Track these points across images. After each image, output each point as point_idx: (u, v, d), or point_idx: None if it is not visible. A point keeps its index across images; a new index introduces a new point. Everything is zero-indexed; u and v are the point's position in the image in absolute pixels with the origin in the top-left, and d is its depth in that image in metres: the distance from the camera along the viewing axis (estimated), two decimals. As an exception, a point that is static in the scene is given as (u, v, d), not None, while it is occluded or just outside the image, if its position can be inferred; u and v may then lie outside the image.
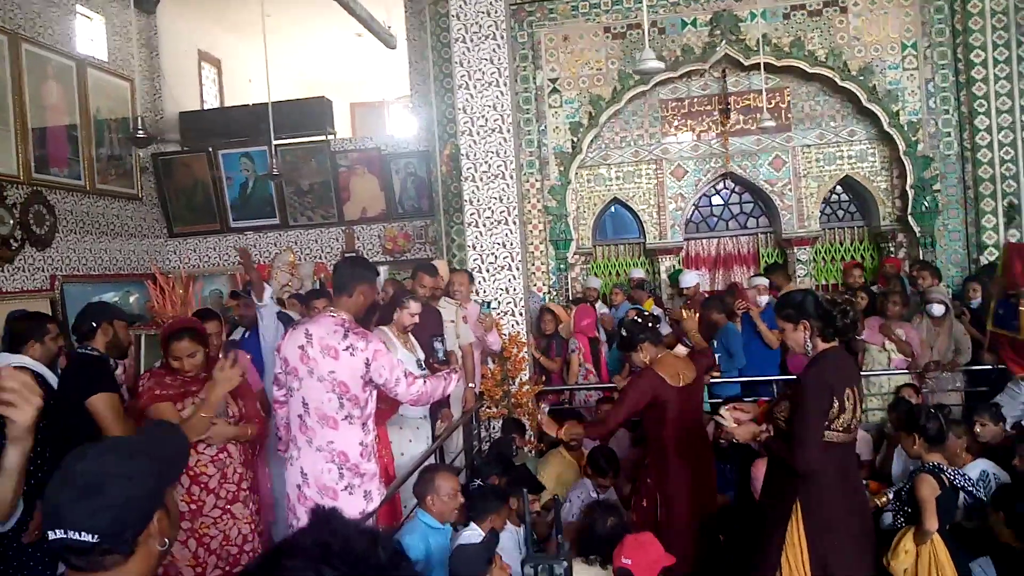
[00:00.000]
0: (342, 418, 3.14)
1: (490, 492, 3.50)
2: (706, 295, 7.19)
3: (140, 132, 7.51)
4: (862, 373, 5.33)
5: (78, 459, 1.29)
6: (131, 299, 8.59)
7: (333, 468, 3.15)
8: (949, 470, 3.67)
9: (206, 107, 10.65)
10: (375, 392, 3.24)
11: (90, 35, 8.45)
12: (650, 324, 4.09)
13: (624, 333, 4.07)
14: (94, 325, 3.65)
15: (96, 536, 1.21)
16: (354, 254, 8.88)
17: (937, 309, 5.90)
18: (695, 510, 3.92)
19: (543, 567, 1.94)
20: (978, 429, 4.57)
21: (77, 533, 1.20)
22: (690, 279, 7.25)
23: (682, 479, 3.88)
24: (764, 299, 6.47)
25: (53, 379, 3.54)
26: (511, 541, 3.69)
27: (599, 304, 7.50)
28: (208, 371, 3.34)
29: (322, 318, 3.25)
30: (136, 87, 8.90)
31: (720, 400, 5.97)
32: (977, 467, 4.20)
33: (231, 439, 3.36)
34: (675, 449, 3.89)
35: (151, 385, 3.34)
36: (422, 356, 4.37)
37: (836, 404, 2.93)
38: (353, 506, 3.12)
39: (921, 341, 6.00)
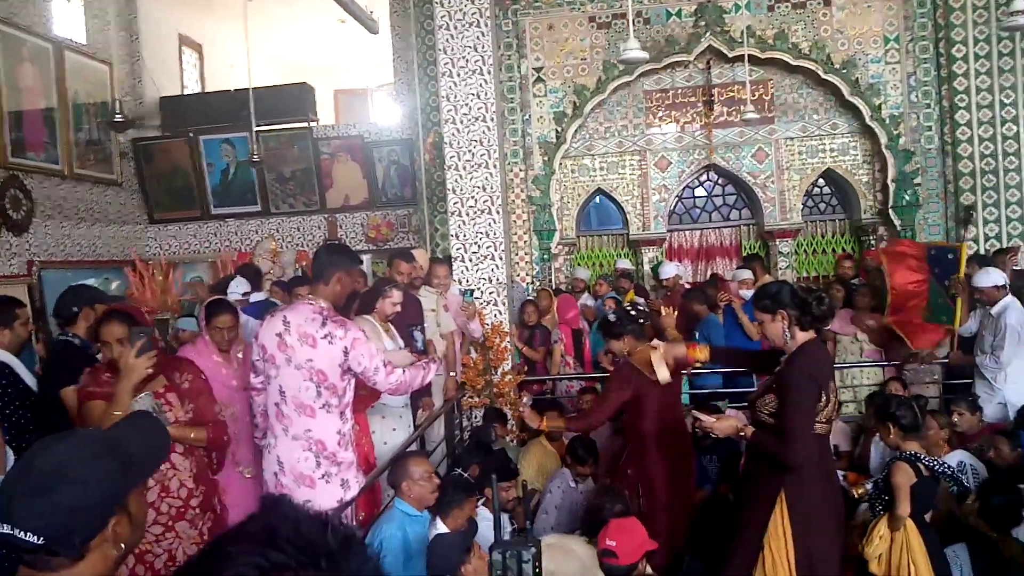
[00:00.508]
0: (319, 406, 3.12)
1: (454, 485, 3.48)
2: (685, 285, 7.20)
3: (119, 116, 7.42)
4: (836, 365, 5.39)
5: (39, 452, 1.24)
6: (111, 286, 8.49)
7: (310, 456, 3.13)
8: (927, 459, 3.71)
9: (187, 92, 10.51)
10: (353, 381, 3.23)
11: (67, 17, 8.31)
12: (640, 320, 4.10)
13: (612, 319, 4.08)
14: (75, 310, 3.57)
15: (41, 538, 1.17)
16: (334, 241, 8.82)
17: None
18: (675, 500, 3.96)
19: (511, 553, 1.93)
20: (955, 419, 4.63)
21: (22, 532, 1.16)
22: (669, 270, 7.26)
23: (662, 469, 3.93)
24: (748, 293, 6.49)
25: (21, 367, 3.46)
26: (490, 529, 3.70)
27: (585, 295, 7.51)
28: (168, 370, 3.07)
29: (300, 305, 3.22)
30: (115, 71, 8.77)
31: (701, 391, 6.02)
32: (955, 457, 4.26)
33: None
34: (655, 440, 3.93)
35: (86, 381, 3.08)
36: (403, 345, 4.36)
37: (823, 397, 2.96)
38: (330, 495, 3.11)
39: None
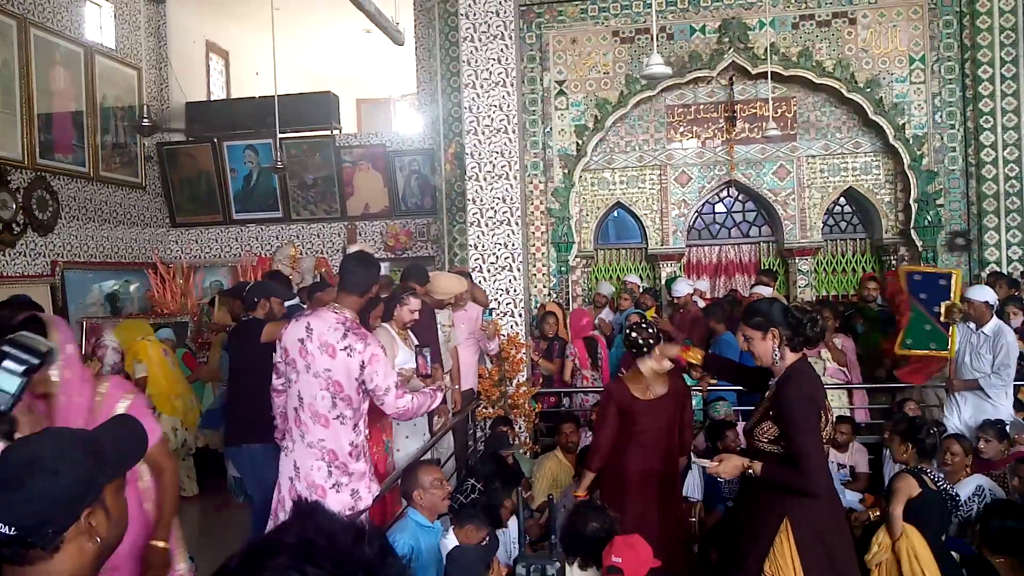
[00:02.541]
0: (334, 417, 3.13)
1: (483, 509, 3.45)
2: (699, 304, 7.11)
3: (146, 121, 7.50)
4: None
5: (13, 448, 1.27)
6: (131, 288, 8.59)
7: (322, 466, 3.14)
8: (933, 473, 3.69)
9: (213, 98, 10.65)
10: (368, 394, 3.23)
11: (99, 22, 8.45)
12: (652, 341, 3.98)
13: (632, 335, 3.98)
14: (255, 300, 4.62)
15: (13, 529, 1.17)
16: (362, 251, 8.81)
17: None
18: (655, 523, 3.77)
19: (535, 567, 1.93)
20: (982, 445, 4.57)
21: None
22: (681, 288, 7.09)
23: (636, 493, 3.80)
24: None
25: None
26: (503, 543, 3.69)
27: (605, 309, 7.46)
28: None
29: (325, 312, 3.23)
30: (143, 76, 8.91)
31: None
32: (973, 482, 4.21)
33: None
34: (631, 461, 3.83)
35: None
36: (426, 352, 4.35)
37: (823, 418, 2.86)
38: (340, 503, 3.11)
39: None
